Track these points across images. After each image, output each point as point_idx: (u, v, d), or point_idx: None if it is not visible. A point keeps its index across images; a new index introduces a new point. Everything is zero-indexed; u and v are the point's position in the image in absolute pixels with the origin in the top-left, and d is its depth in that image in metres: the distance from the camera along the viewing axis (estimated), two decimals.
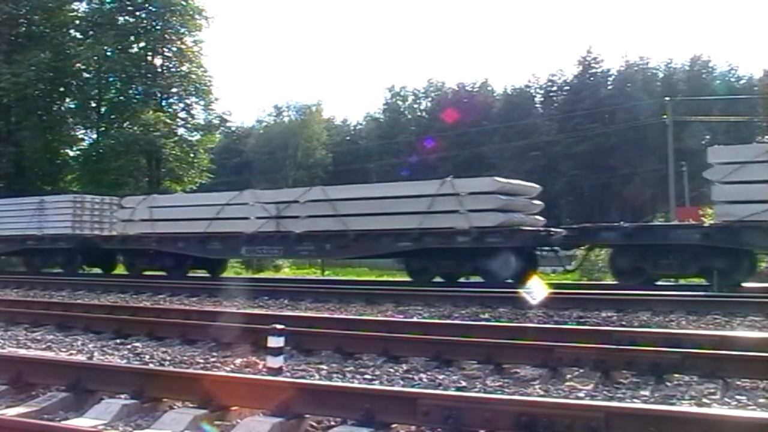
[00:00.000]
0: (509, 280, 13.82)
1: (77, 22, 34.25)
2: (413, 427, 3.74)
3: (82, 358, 6.13)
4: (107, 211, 21.60)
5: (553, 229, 15.41)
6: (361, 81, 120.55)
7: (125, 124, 33.21)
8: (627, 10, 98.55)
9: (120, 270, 21.26)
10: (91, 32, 33.36)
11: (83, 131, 35.62)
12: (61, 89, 33.79)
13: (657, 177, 42.85)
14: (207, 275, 19.28)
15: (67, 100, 34.96)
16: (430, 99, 71.51)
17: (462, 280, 15.80)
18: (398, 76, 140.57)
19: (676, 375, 5.14)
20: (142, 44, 34.19)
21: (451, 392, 4.46)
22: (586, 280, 19.54)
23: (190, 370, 5.19)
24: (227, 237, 17.39)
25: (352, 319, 8.08)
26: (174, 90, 34.25)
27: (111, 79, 33.88)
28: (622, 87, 58.31)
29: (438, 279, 15.49)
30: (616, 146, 51.08)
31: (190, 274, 18.95)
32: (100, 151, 32.44)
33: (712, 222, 13.95)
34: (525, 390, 4.83)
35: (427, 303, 10.69)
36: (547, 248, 15.12)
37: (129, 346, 6.80)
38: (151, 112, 31.53)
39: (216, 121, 35.83)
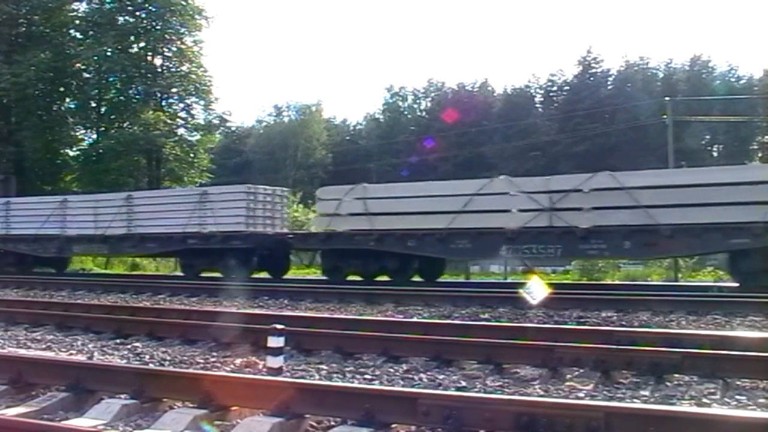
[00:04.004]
0: None
1: (77, 22, 34.25)
2: (413, 427, 3.74)
3: (82, 358, 6.13)
4: (278, 205, 18.80)
5: None
6: (361, 81, 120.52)
7: (125, 124, 33.23)
8: (627, 10, 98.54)
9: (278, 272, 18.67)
10: (91, 32, 33.37)
11: (83, 131, 35.68)
12: (61, 89, 33.80)
13: None
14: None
15: (67, 100, 34.99)
16: (430, 99, 71.43)
17: (462, 279, 15.54)
18: (398, 76, 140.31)
19: (676, 375, 5.14)
20: (142, 44, 34.20)
21: (451, 392, 4.46)
22: (586, 280, 19.56)
23: (190, 370, 5.19)
24: (481, 234, 14.33)
25: (352, 319, 8.09)
26: (174, 90, 34.25)
27: (111, 79, 33.89)
28: (622, 87, 58.23)
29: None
30: (616, 146, 50.96)
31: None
32: (100, 151, 32.45)
33: None
34: (525, 390, 4.83)
35: (427, 303, 10.71)
36: None
37: (129, 346, 6.81)
38: (151, 112, 31.53)
39: (216, 121, 35.89)
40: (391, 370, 5.58)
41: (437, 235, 14.58)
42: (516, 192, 14.21)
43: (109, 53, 31.88)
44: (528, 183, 14.50)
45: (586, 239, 13.40)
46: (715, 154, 58.06)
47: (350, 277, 16.01)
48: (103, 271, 25.53)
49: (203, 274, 18.17)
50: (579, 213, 13.56)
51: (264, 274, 18.21)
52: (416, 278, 16.20)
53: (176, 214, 18.25)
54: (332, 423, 3.83)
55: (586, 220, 13.45)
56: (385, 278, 15.59)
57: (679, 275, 20.95)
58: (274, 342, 5.29)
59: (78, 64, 33.47)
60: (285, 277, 18.42)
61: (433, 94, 71.05)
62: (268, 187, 19.15)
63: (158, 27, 33.47)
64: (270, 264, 18.16)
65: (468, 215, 14.42)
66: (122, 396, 4.31)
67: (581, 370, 5.30)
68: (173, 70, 34.58)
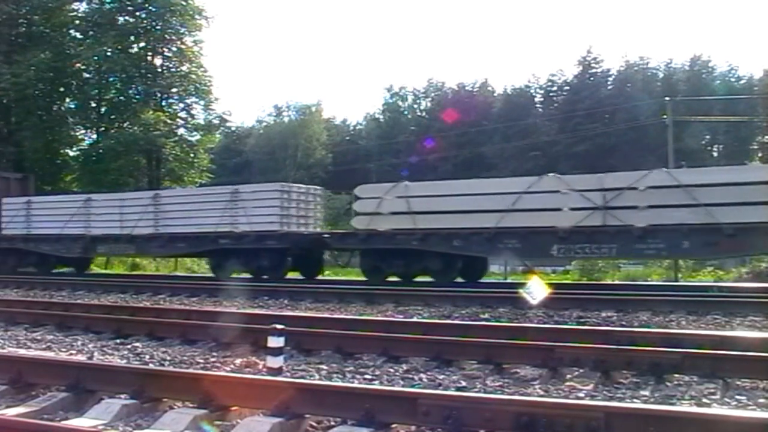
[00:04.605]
0: None
1: (77, 22, 34.20)
2: (413, 427, 3.74)
3: (82, 358, 6.13)
4: (312, 203, 18.25)
5: None
6: (361, 81, 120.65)
7: (125, 124, 33.18)
8: (627, 10, 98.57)
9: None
10: (91, 32, 33.32)
11: (83, 131, 35.61)
12: (61, 89, 33.74)
13: None
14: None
15: (67, 100, 34.93)
16: (430, 99, 71.50)
17: (459, 280, 15.36)
18: (398, 76, 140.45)
19: (676, 375, 5.14)
20: (142, 44, 34.16)
21: (451, 392, 4.46)
22: (586, 280, 19.56)
23: (190, 370, 5.19)
24: (531, 233, 13.81)
25: (352, 319, 8.09)
26: (174, 90, 34.20)
27: (111, 79, 33.83)
28: (622, 87, 58.26)
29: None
30: (616, 146, 50.97)
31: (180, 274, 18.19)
32: (100, 151, 32.40)
33: None
34: (525, 390, 4.83)
35: (427, 303, 10.72)
36: None
37: (129, 346, 6.81)
38: (151, 112, 31.49)
39: (216, 121, 35.79)
40: (391, 370, 5.58)
41: (485, 234, 14.07)
42: (567, 190, 13.73)
43: (109, 53, 31.83)
44: (580, 181, 14.13)
45: (642, 238, 12.89)
46: (715, 154, 58.11)
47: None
48: (103, 271, 25.51)
49: (202, 274, 18.10)
50: (634, 211, 13.06)
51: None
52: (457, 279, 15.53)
53: (207, 213, 17.64)
54: (332, 423, 3.83)
55: (642, 219, 12.95)
56: (358, 278, 15.32)
57: (679, 275, 20.95)
58: (274, 342, 5.29)
59: (78, 64, 33.41)
60: (285, 277, 17.93)
61: (433, 94, 71.09)
62: (302, 185, 18.76)
63: (158, 27, 33.42)
64: (304, 264, 17.76)
65: (517, 214, 13.94)
66: (122, 396, 4.31)
67: (581, 370, 5.30)
68: (173, 70, 34.53)
